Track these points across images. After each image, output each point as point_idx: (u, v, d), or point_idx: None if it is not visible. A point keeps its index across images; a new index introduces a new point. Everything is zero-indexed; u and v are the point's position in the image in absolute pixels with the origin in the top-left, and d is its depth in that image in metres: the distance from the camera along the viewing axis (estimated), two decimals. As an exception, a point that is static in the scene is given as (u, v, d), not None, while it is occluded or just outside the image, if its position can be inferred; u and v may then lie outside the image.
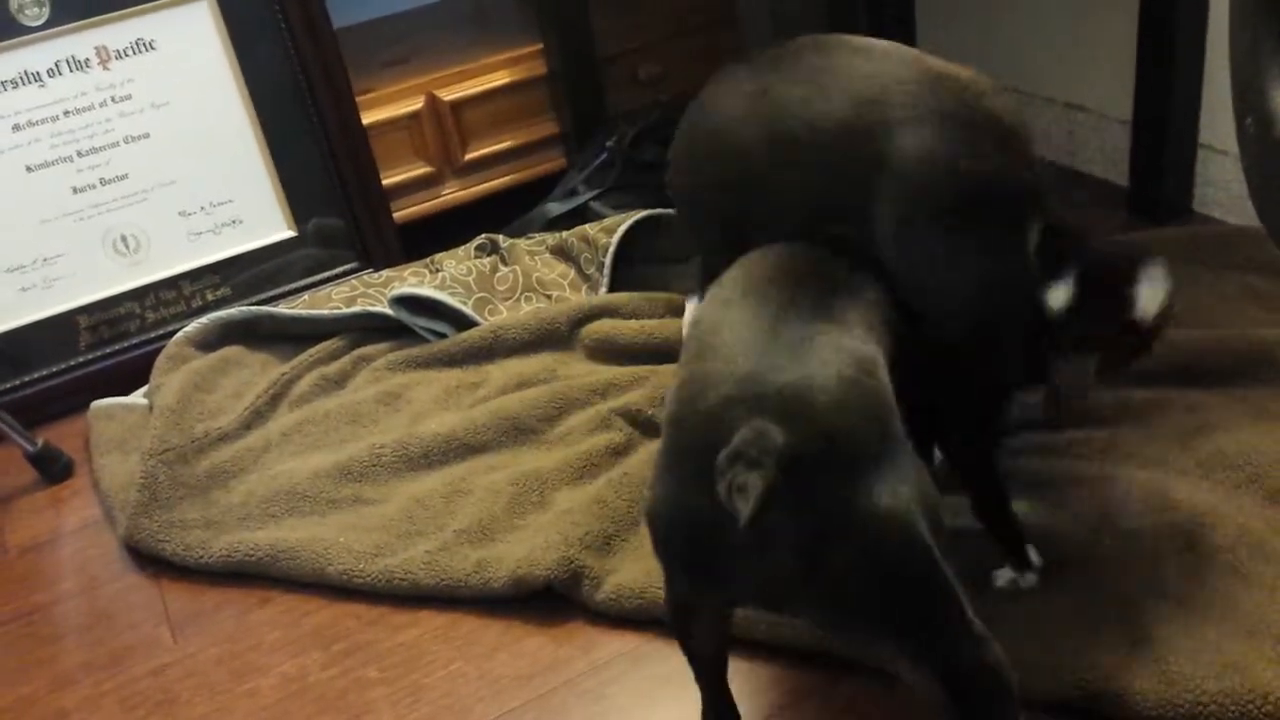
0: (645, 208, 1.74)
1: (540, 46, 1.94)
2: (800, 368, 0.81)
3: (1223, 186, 1.70)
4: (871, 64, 1.00)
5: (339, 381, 1.57)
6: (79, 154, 1.67)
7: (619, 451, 1.36)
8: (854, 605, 0.81)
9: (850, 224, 0.97)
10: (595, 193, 1.84)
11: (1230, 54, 0.65)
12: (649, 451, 1.34)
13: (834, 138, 0.97)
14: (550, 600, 1.20)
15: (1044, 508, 1.17)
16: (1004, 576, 1.12)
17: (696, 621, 0.93)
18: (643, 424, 1.40)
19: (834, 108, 0.97)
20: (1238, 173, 1.63)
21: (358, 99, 1.79)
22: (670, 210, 1.74)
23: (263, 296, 1.76)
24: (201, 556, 1.32)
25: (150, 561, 1.35)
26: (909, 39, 2.09)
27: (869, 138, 0.95)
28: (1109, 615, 1.06)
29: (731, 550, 0.79)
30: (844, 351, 0.83)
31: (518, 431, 1.42)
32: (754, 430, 0.75)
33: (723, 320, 0.89)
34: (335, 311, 1.64)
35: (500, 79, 1.92)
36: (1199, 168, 1.72)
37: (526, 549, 1.22)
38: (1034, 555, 1.11)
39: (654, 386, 1.43)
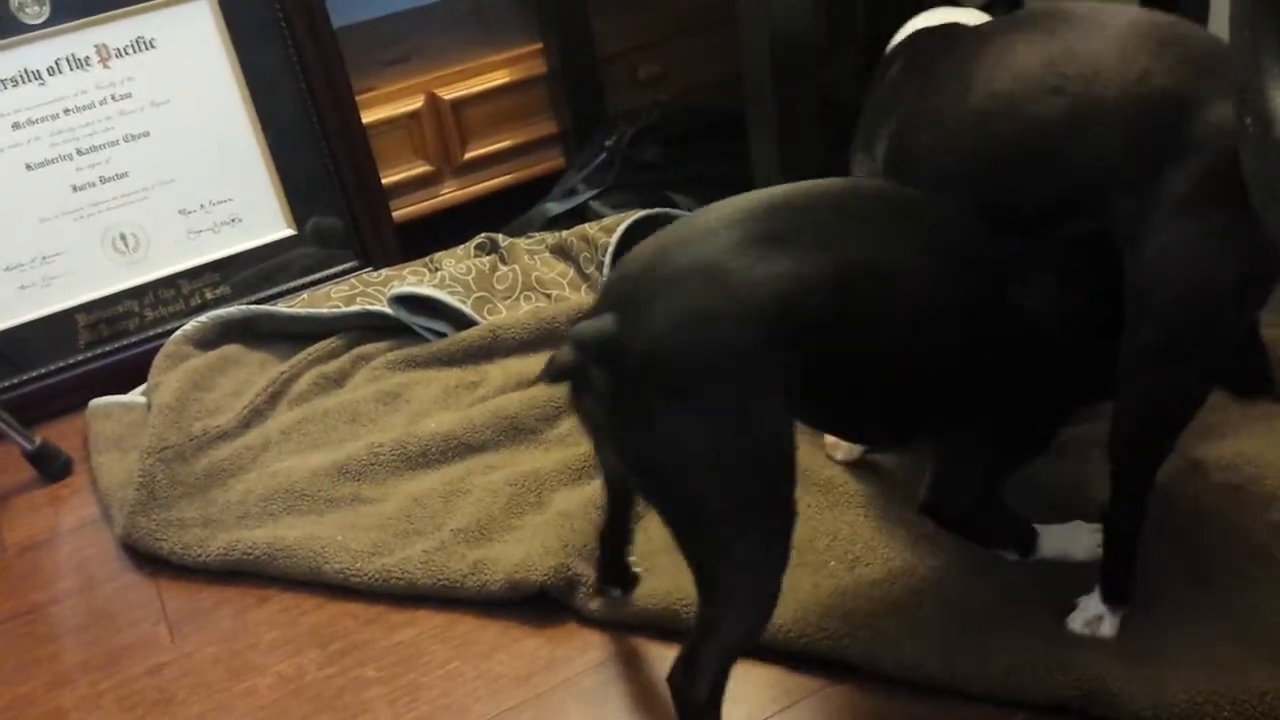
0: (644, 207, 1.74)
1: (540, 46, 1.94)
2: (682, 281, 0.87)
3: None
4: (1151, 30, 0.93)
5: (338, 380, 1.57)
6: (79, 152, 1.67)
7: (617, 453, 1.36)
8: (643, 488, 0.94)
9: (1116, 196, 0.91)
10: (594, 192, 1.83)
11: (1234, 56, 0.65)
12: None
13: (1125, 104, 0.90)
14: (548, 600, 1.20)
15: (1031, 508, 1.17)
16: (1089, 610, 1.07)
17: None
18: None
19: (1130, 70, 0.90)
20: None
21: (358, 98, 1.79)
22: (670, 209, 1.74)
23: (262, 295, 1.76)
24: (199, 555, 1.32)
25: (148, 560, 1.35)
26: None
27: (1171, 108, 0.88)
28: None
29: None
30: (734, 289, 0.87)
31: (516, 431, 1.42)
32: (598, 320, 0.88)
33: (710, 212, 0.94)
34: (334, 310, 1.64)
35: (500, 78, 1.92)
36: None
37: (524, 552, 1.22)
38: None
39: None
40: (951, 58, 1.06)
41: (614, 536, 1.15)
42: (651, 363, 0.86)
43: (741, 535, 0.90)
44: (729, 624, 0.92)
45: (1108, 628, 1.05)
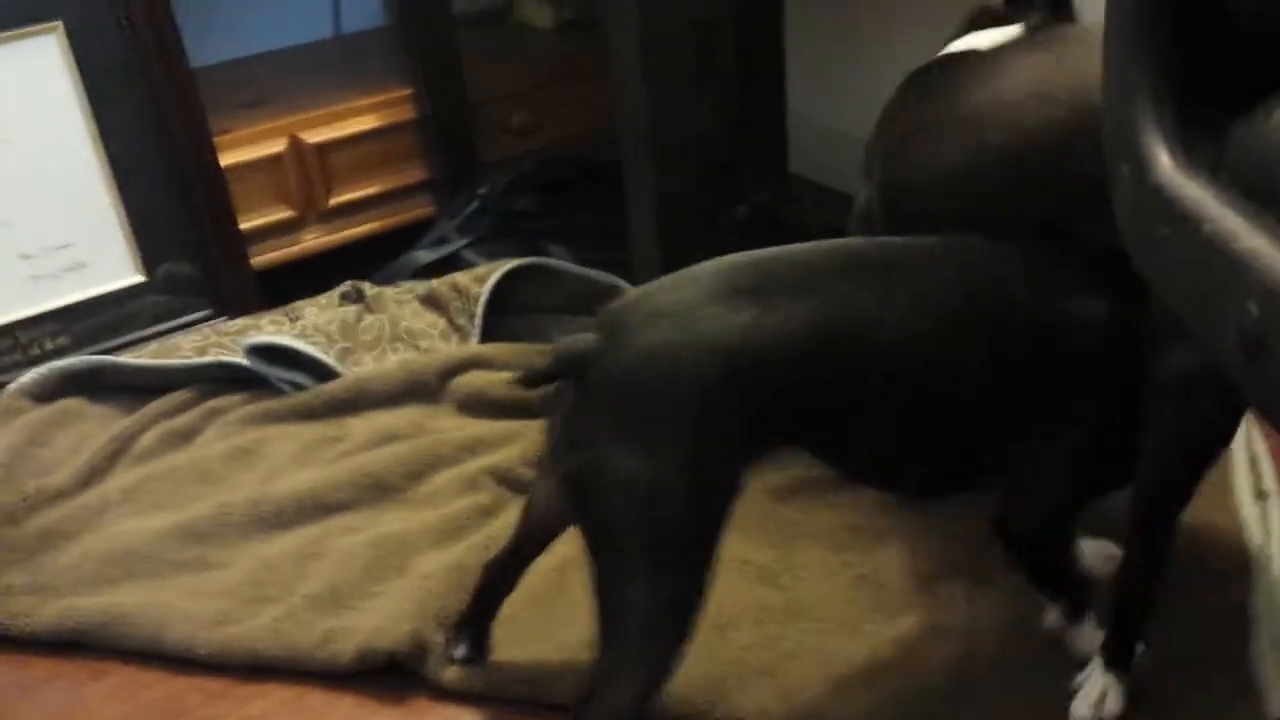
0: (518, 256, 1.70)
1: (410, 91, 1.90)
2: (658, 319, 0.90)
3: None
4: None
5: (187, 436, 1.49)
6: (-91, 190, 1.56)
7: (486, 513, 1.31)
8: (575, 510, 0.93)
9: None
10: (467, 241, 1.80)
11: (1104, 102, 0.64)
12: (515, 515, 1.30)
13: None
14: (403, 672, 1.14)
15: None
16: (1092, 689, 1.02)
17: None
18: (513, 483, 1.35)
19: None
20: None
21: (216, 139, 1.72)
22: (546, 260, 1.71)
23: (107, 345, 1.67)
24: (28, 625, 1.22)
25: (-28, 632, 1.25)
26: (779, 80, 2.11)
27: None
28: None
29: None
30: (701, 333, 0.89)
31: (379, 490, 1.36)
32: (583, 337, 0.91)
33: (704, 264, 0.96)
34: (185, 361, 1.56)
35: (368, 123, 1.87)
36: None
37: (377, 620, 1.16)
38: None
39: (526, 443, 1.39)
40: (947, 74, 1.06)
41: (495, 589, 1.11)
42: (617, 387, 0.89)
43: (656, 581, 0.89)
44: (622, 682, 0.89)
45: (1114, 703, 1.01)
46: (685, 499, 0.89)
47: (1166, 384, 0.90)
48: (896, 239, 1.03)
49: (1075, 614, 1.08)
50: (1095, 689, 1.02)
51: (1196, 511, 1.19)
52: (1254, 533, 1.19)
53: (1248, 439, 1.33)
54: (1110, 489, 1.02)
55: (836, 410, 0.95)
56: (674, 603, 0.90)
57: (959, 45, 1.14)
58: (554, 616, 1.16)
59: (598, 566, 0.91)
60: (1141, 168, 0.58)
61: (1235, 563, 1.16)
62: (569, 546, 1.08)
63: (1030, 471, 1.01)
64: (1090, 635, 1.06)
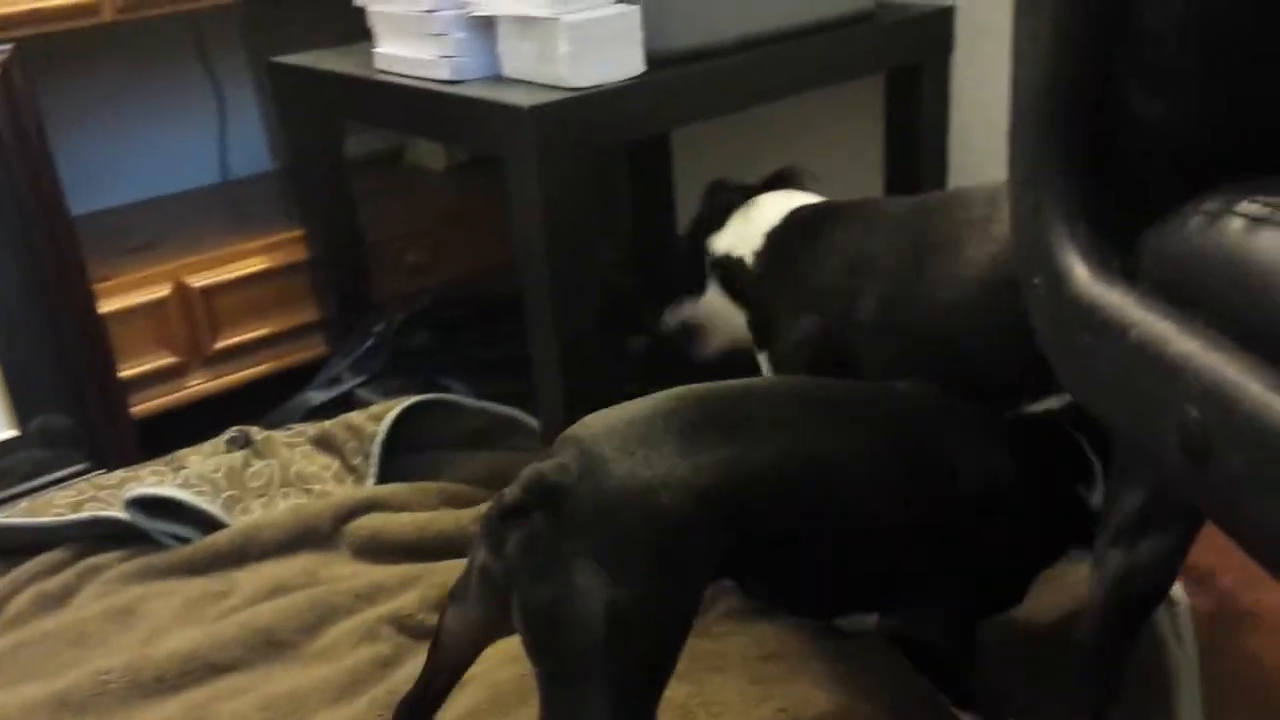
0: (415, 393, 1.65)
1: (301, 233, 1.86)
2: (628, 455, 0.91)
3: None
4: None
5: (61, 598, 1.39)
6: None
7: (387, 664, 1.24)
8: (526, 640, 0.92)
9: None
10: (361, 379, 1.75)
11: (1012, 216, 0.65)
12: (418, 664, 1.22)
13: None
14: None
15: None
16: None
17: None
18: (414, 630, 1.28)
19: None
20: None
21: (97, 286, 1.66)
22: (445, 395, 1.66)
23: (-26, 504, 1.55)
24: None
25: None
26: (670, 210, 2.15)
27: None
28: None
29: None
30: (679, 469, 0.91)
31: (270, 646, 1.27)
32: (559, 462, 0.91)
33: (667, 395, 0.99)
34: (59, 518, 1.47)
35: (257, 265, 1.82)
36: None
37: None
38: None
39: (427, 586, 1.32)
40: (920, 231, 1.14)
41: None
42: (596, 519, 0.89)
43: (616, 714, 0.89)
44: None
45: None
46: (657, 633, 0.90)
47: (1120, 526, 0.91)
48: (838, 381, 1.12)
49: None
50: None
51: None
52: (1166, 640, 1.19)
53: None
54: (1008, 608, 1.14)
55: (788, 546, 0.98)
56: None
57: (772, 200, 1.34)
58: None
59: (555, 699, 0.90)
60: (1056, 278, 0.57)
61: (1153, 673, 1.16)
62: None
63: (939, 593, 1.08)
64: None
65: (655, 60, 1.41)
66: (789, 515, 0.97)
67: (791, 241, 1.26)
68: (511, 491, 0.91)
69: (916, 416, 1.07)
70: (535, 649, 0.91)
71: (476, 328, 1.83)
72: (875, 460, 1.01)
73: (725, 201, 1.37)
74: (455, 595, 0.99)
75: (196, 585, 1.39)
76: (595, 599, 0.87)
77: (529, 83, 1.40)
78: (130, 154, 2.08)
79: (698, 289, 1.39)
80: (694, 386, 1.01)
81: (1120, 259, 0.55)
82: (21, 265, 1.59)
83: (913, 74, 1.67)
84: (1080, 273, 0.56)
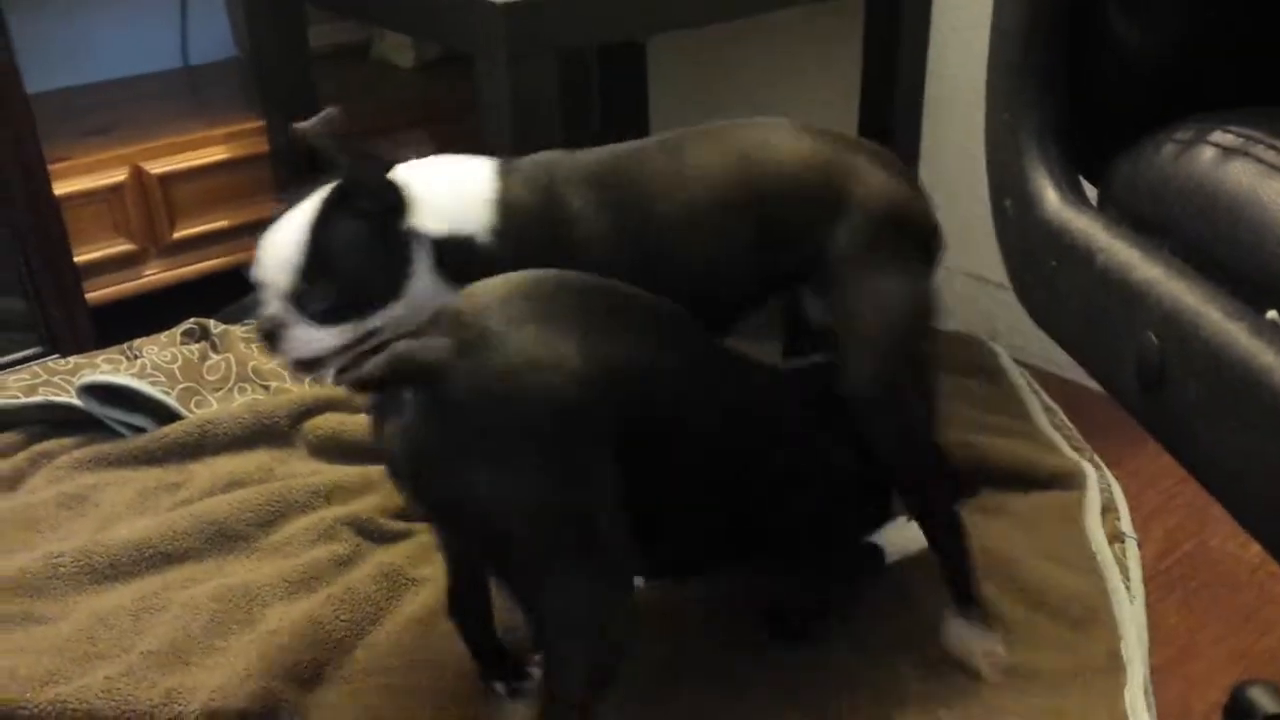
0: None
1: (262, 124, 1.82)
2: (517, 330, 0.84)
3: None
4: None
5: (12, 482, 1.38)
6: None
7: (343, 563, 1.24)
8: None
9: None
10: (319, 277, 1.72)
11: (986, 137, 0.65)
12: (377, 565, 1.23)
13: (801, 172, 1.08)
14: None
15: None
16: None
17: None
18: (373, 534, 1.29)
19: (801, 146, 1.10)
20: (949, 281, 1.74)
21: (51, 167, 1.62)
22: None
23: (-78, 384, 1.53)
24: None
25: None
26: (643, 120, 2.13)
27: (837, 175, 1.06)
28: None
29: None
30: (558, 347, 0.85)
31: (225, 539, 1.28)
32: (432, 341, 0.84)
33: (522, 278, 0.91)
34: (10, 401, 1.45)
35: (216, 154, 1.79)
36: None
37: (224, 676, 1.08)
38: None
39: (388, 491, 1.32)
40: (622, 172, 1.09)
41: (473, 628, 1.06)
42: (485, 396, 0.82)
43: (575, 584, 0.85)
44: (576, 667, 0.87)
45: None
46: (572, 508, 0.85)
47: (863, 395, 1.04)
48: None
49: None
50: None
51: (1051, 559, 1.23)
52: (1111, 576, 1.22)
53: (1102, 483, 1.36)
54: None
55: (665, 463, 0.94)
56: (602, 599, 0.87)
57: (455, 168, 1.12)
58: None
59: (509, 579, 0.87)
60: (1027, 202, 0.58)
61: (1099, 608, 1.18)
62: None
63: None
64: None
65: (632, -39, 1.38)
66: (666, 423, 0.92)
67: (533, 205, 1.08)
68: (376, 365, 0.83)
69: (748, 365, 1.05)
70: (461, 541, 0.89)
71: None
72: (731, 388, 1.00)
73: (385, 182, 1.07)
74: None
75: (151, 475, 1.38)
76: (497, 497, 0.82)
77: (502, -23, 1.37)
78: (88, 33, 2.03)
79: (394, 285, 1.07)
80: (572, 273, 0.94)
81: (1090, 185, 0.56)
82: (-27, 143, 1.55)
83: (893, -7, 1.65)
84: (1050, 196, 0.56)
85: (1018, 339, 1.68)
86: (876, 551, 1.19)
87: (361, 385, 0.85)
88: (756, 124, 1.13)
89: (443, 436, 0.83)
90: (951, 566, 1.10)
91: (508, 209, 1.05)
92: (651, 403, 0.91)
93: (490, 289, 0.89)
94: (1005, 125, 0.60)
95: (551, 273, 0.92)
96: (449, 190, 1.06)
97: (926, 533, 1.10)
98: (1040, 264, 0.57)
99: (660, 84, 2.13)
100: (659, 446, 0.92)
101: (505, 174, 1.08)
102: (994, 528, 1.28)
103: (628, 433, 0.88)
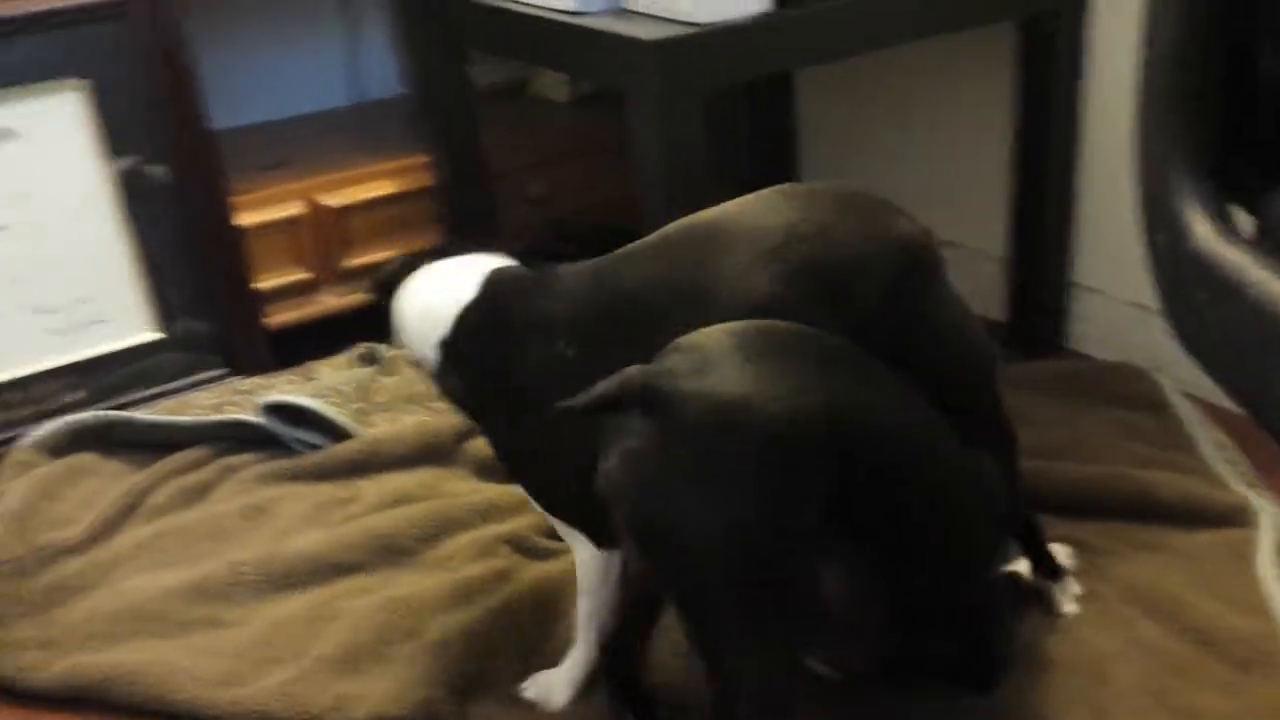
0: (531, 322, 1.70)
1: (428, 158, 1.91)
2: (754, 365, 0.85)
3: (1095, 323, 1.75)
4: None
5: (200, 493, 1.48)
6: (-72, 243, 1.57)
7: (502, 578, 1.29)
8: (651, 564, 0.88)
9: None
10: (481, 305, 1.79)
11: (1137, 169, 0.66)
12: (533, 580, 1.28)
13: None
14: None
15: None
16: None
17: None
18: (529, 551, 1.34)
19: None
20: (1109, 310, 1.71)
21: (236, 200, 1.73)
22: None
23: (121, 401, 1.66)
24: (36, 680, 1.21)
25: (-20, 684, 1.23)
26: (791, 175, 2.15)
27: None
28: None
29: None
30: (797, 387, 0.85)
31: (391, 552, 1.35)
32: (657, 365, 0.86)
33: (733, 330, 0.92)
34: (199, 419, 1.56)
35: (386, 188, 1.88)
36: (1072, 305, 1.77)
37: (389, 686, 1.14)
38: None
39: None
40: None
41: (624, 653, 1.07)
42: (710, 423, 0.82)
43: (758, 619, 0.84)
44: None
45: None
46: (781, 564, 0.84)
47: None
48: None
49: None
50: None
51: (1219, 598, 1.20)
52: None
53: (1276, 520, 1.32)
54: None
55: (879, 507, 0.92)
56: (779, 660, 0.86)
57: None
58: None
59: (692, 618, 0.86)
60: (1177, 234, 0.59)
61: (1269, 651, 1.14)
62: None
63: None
64: None
65: (780, -3, 1.40)
66: (882, 467, 0.90)
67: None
68: (605, 386, 0.84)
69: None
70: (657, 574, 0.87)
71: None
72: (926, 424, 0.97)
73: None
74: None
75: (324, 490, 1.47)
76: (712, 523, 0.81)
77: (654, 16, 1.41)
78: (270, 73, 2.15)
79: None
80: (782, 323, 0.94)
81: (1243, 219, 0.56)
82: (166, 177, 1.67)
83: (1048, 22, 1.63)
84: (1201, 229, 0.57)
85: (1185, 371, 1.63)
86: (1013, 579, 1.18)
87: (593, 407, 0.85)
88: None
89: (666, 459, 0.83)
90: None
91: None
92: (868, 444, 0.90)
93: (712, 332, 0.90)
94: (1155, 157, 0.61)
95: (765, 322, 0.93)
96: None
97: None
98: (1191, 296, 0.58)
99: (809, 116, 2.15)
100: (873, 494, 0.91)
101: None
102: (1156, 564, 1.25)
103: (846, 480, 0.87)
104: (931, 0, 1.51)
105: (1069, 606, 1.20)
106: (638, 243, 1.08)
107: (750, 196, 1.07)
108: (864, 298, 0.99)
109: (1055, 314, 1.78)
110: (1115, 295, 1.70)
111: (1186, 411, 1.55)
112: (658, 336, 0.92)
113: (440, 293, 1.09)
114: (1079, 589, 1.21)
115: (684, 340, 0.89)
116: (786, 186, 1.08)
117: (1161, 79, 0.61)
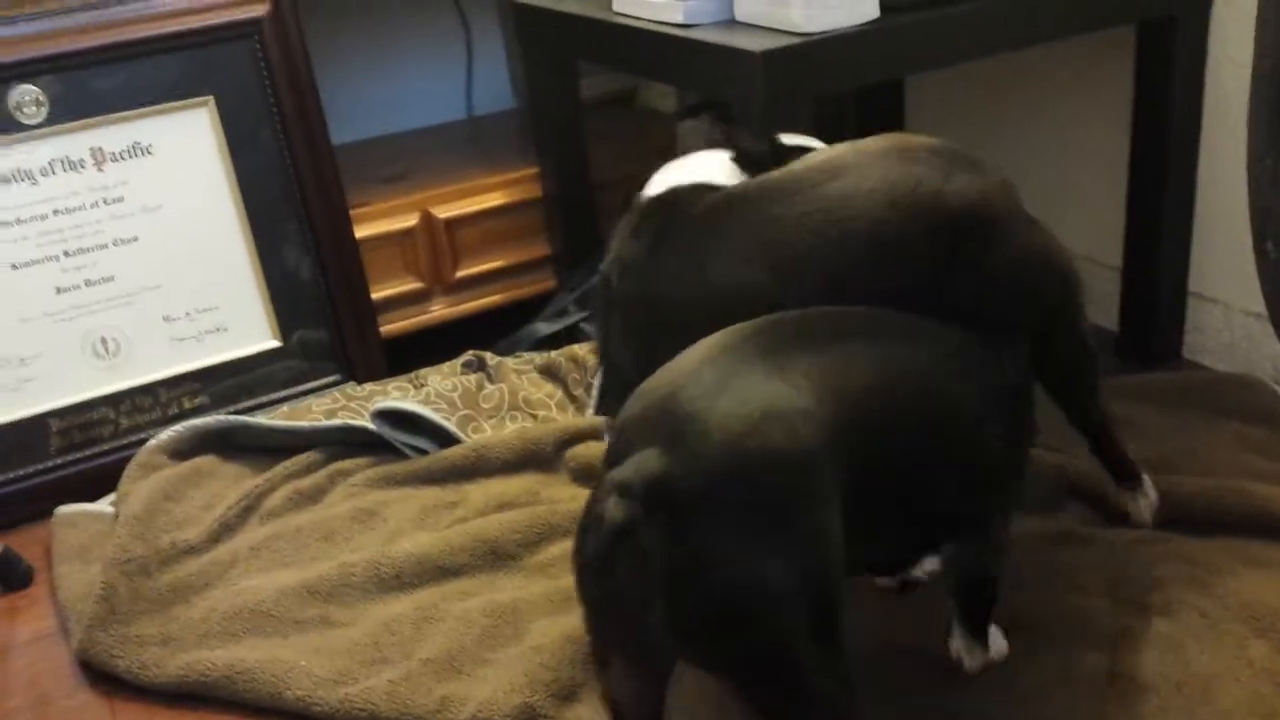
0: (635, 331, 1.71)
1: (537, 170, 1.95)
2: (714, 400, 0.78)
3: (1212, 334, 1.70)
4: None
5: (313, 496, 1.52)
6: (65, 254, 1.65)
7: (600, 585, 1.31)
8: (701, 657, 0.81)
9: None
10: (585, 314, 1.82)
11: (1249, 180, 0.64)
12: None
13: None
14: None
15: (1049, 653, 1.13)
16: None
17: (618, 672, 0.92)
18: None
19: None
20: (1227, 320, 1.65)
21: (352, 212, 1.79)
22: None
23: (241, 406, 1.72)
24: (156, 676, 1.26)
25: (103, 678, 1.28)
26: None
27: None
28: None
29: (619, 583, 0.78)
30: (771, 396, 0.79)
31: (495, 557, 1.37)
32: (635, 460, 0.76)
33: (691, 350, 0.87)
34: (314, 424, 1.61)
35: (495, 199, 1.92)
36: (1188, 315, 1.72)
37: (491, 689, 1.16)
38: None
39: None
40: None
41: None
42: (714, 490, 0.76)
43: (819, 669, 0.79)
44: None
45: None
46: (826, 581, 0.80)
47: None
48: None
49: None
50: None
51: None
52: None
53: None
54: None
55: (889, 466, 0.89)
56: (839, 683, 0.82)
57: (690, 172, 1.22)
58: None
59: (758, 693, 0.80)
60: (1287, 246, 0.57)
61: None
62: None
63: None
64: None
65: (889, 5, 1.39)
66: (892, 427, 0.86)
67: None
68: (613, 510, 0.76)
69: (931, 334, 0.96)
70: (715, 661, 0.81)
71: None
72: (939, 373, 0.92)
73: None
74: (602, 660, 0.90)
75: (431, 494, 1.50)
76: (756, 578, 0.75)
77: (761, 27, 1.41)
78: (387, 89, 2.22)
79: None
80: (750, 322, 0.90)
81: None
82: (288, 190, 1.74)
83: (1166, 26, 1.59)
84: (1312, 243, 0.56)
85: (1305, 383, 1.58)
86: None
87: (613, 541, 0.77)
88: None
89: (684, 549, 0.76)
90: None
91: None
92: (886, 410, 0.86)
93: (673, 369, 0.85)
94: (1266, 169, 0.59)
95: (732, 328, 0.89)
96: None
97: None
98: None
99: (918, 123, 2.12)
100: (891, 463, 0.88)
101: None
102: (1271, 582, 1.21)
103: (861, 461, 0.83)
104: (1041, 6, 1.49)
105: (1147, 515, 1.28)
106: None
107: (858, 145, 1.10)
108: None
109: (1172, 324, 1.73)
110: (1233, 305, 1.65)
111: (1304, 423, 1.49)
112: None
113: None
114: (1155, 497, 1.29)
115: (649, 387, 0.84)
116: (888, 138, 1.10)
117: (1271, 89, 0.59)
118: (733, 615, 0.77)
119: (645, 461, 0.76)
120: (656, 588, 0.77)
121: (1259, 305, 1.62)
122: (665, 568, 0.76)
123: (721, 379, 0.80)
